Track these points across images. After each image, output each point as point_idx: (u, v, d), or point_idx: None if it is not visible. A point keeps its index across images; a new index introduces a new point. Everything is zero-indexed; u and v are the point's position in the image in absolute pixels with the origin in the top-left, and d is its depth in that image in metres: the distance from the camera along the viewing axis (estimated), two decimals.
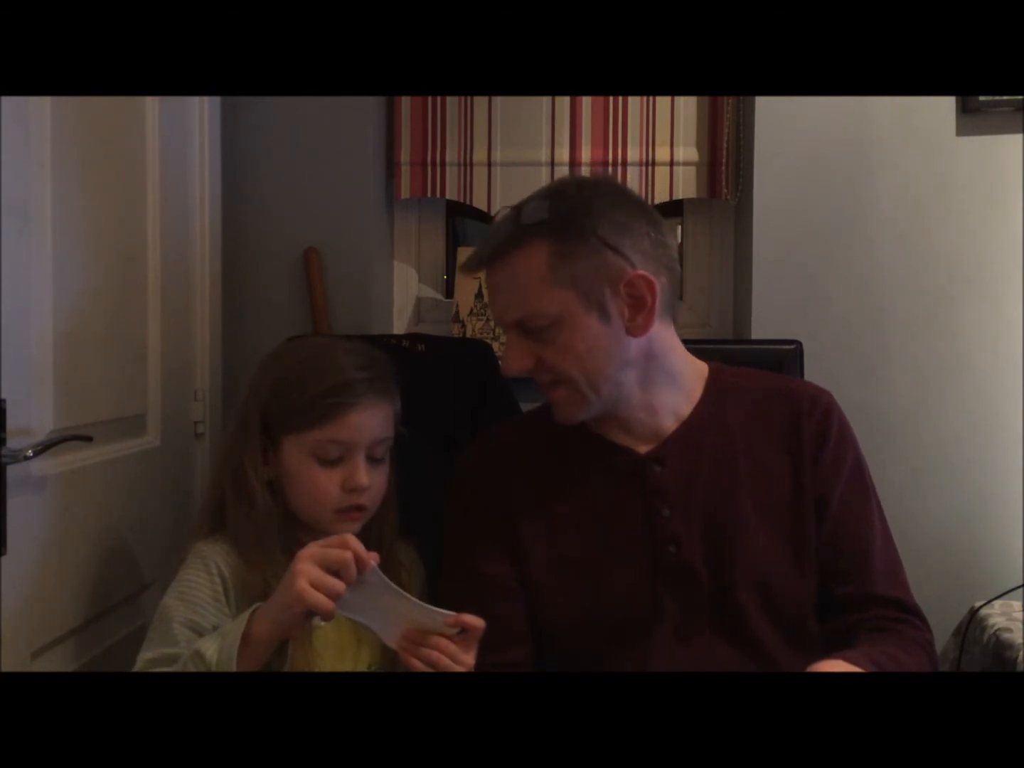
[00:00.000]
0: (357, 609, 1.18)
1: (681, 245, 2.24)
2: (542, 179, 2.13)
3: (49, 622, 1.38)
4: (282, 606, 1.17)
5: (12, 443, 1.25)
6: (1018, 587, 1.75)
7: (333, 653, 1.34)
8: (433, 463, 1.58)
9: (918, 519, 2.03)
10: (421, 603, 1.20)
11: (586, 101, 2.16)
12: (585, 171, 2.15)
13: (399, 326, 2.28)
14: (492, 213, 2.18)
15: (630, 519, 1.35)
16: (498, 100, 2.17)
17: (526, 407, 1.71)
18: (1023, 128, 2.01)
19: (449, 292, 2.29)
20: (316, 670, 1.30)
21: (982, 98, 2.00)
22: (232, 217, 2.01)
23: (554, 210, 1.29)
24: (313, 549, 1.17)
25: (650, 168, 2.15)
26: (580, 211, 1.29)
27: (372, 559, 1.17)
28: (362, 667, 1.35)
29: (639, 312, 1.30)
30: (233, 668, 1.15)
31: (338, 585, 1.14)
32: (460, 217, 2.36)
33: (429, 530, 1.44)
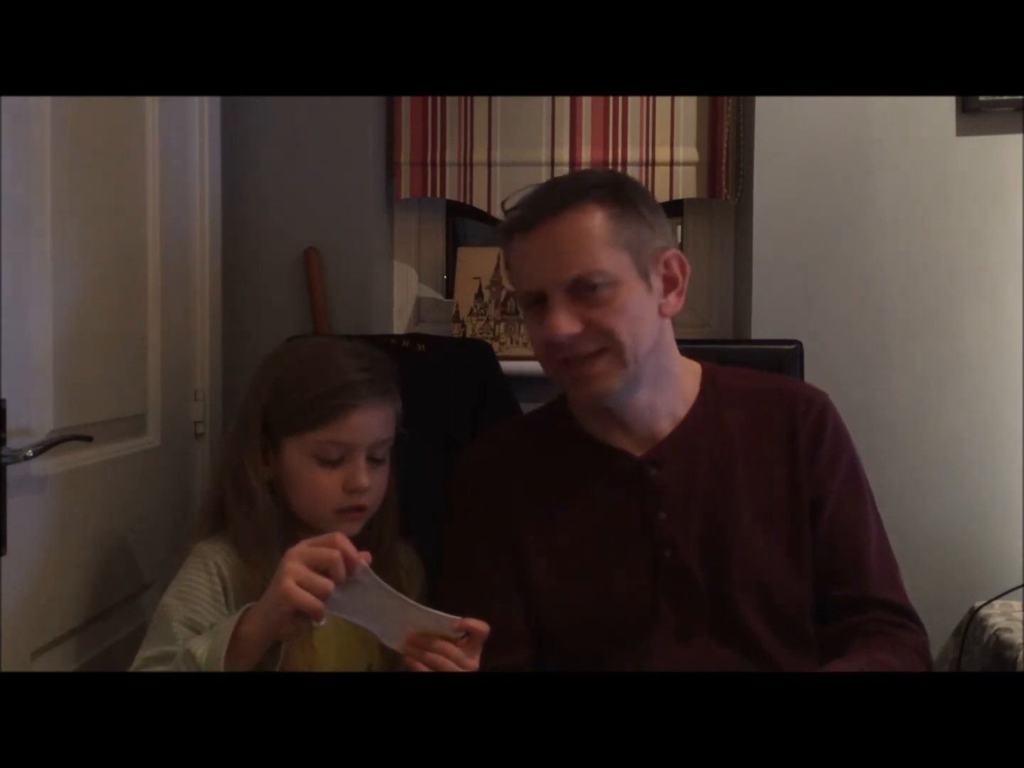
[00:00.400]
0: (350, 609, 1.17)
1: (681, 245, 2.24)
2: (542, 179, 2.12)
3: (49, 622, 1.38)
4: (271, 605, 1.16)
5: (12, 443, 1.25)
6: (1018, 587, 1.75)
7: (333, 654, 1.34)
8: (433, 463, 1.58)
9: (918, 519, 2.03)
10: (424, 607, 1.20)
11: (586, 101, 2.16)
12: None
13: (399, 326, 2.28)
14: (492, 213, 2.18)
15: (627, 521, 1.35)
16: (498, 100, 2.17)
17: (526, 407, 1.71)
18: (1023, 128, 2.01)
19: (449, 292, 2.29)
20: (316, 670, 1.30)
21: (982, 98, 2.00)
22: (232, 217, 2.01)
23: (607, 177, 1.35)
24: (301, 548, 1.16)
25: (650, 168, 2.15)
26: (629, 184, 1.35)
27: (363, 558, 1.15)
28: (362, 668, 1.35)
29: (671, 290, 1.34)
30: (221, 668, 1.15)
31: (326, 584, 1.13)
32: (460, 217, 2.36)
33: (429, 530, 1.44)
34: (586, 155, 2.16)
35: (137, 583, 1.62)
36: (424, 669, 1.17)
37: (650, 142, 2.16)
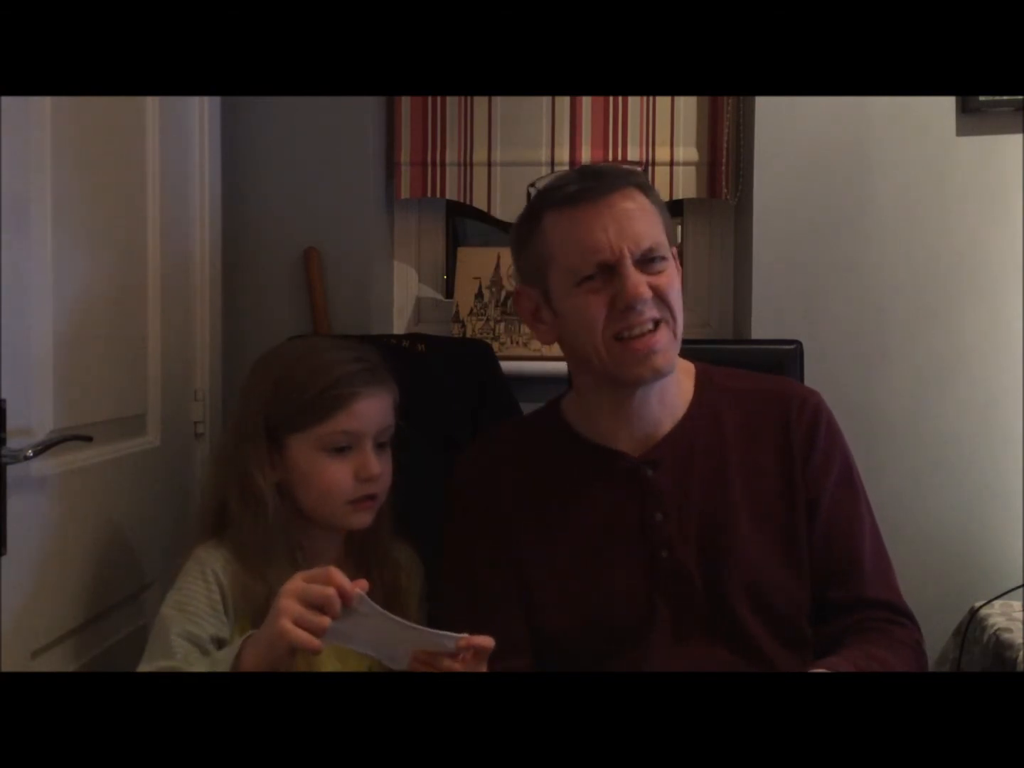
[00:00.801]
0: (350, 638, 1.16)
1: (681, 245, 2.24)
2: None
3: (49, 622, 1.38)
4: (267, 642, 1.15)
5: (12, 443, 1.25)
6: (1018, 587, 1.75)
7: (335, 655, 1.33)
8: (433, 463, 1.58)
9: (918, 519, 2.03)
10: (427, 629, 1.18)
11: (586, 101, 2.16)
12: None
13: (399, 326, 2.27)
14: (492, 213, 2.18)
15: (625, 522, 1.35)
16: (498, 100, 2.17)
17: (526, 407, 1.71)
18: (1023, 128, 2.01)
19: (449, 292, 2.29)
20: (316, 670, 1.30)
21: (982, 98, 2.00)
22: (232, 217, 2.01)
23: (638, 170, 1.39)
24: (296, 584, 1.15)
25: (650, 168, 2.15)
26: None
27: (359, 587, 1.14)
28: (362, 669, 1.35)
29: None
30: None
31: (322, 621, 1.12)
32: (460, 217, 2.36)
33: (429, 530, 1.44)
34: (586, 155, 2.16)
35: (137, 583, 1.62)
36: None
37: (650, 142, 2.16)
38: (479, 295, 2.19)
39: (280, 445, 1.37)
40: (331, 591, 1.13)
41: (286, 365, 1.39)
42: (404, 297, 2.29)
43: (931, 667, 1.77)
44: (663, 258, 1.31)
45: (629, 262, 1.28)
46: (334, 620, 1.13)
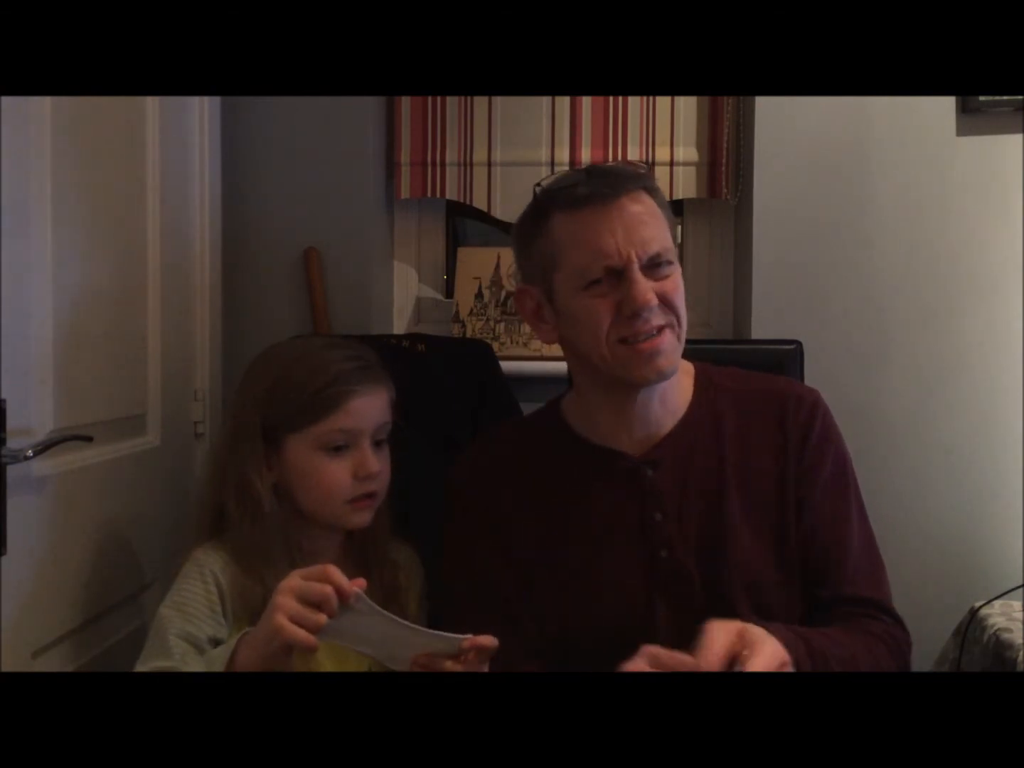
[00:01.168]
0: (347, 637, 1.16)
1: (681, 245, 2.24)
2: None
3: (49, 622, 1.38)
4: (263, 639, 1.15)
5: (12, 443, 1.25)
6: (1018, 587, 1.75)
7: (336, 655, 1.33)
8: (433, 463, 1.58)
9: (918, 519, 2.03)
10: (427, 630, 1.18)
11: (586, 101, 2.16)
12: None
13: (399, 326, 2.28)
14: (492, 213, 2.18)
15: (625, 523, 1.35)
16: (498, 100, 2.17)
17: (526, 407, 1.71)
18: (1023, 128, 2.01)
19: (449, 292, 2.29)
20: (316, 670, 1.30)
21: (982, 98, 2.00)
22: (232, 217, 2.01)
23: (645, 171, 1.37)
24: (293, 582, 1.15)
25: (650, 168, 2.15)
26: None
27: (357, 585, 1.14)
28: (363, 668, 1.35)
29: None
30: None
31: (318, 619, 1.12)
32: (460, 217, 2.36)
33: (429, 530, 1.44)
34: (586, 155, 2.16)
35: (137, 583, 1.62)
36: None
37: (650, 142, 2.16)
38: (479, 295, 2.19)
39: (277, 446, 1.37)
40: (328, 589, 1.12)
41: (282, 365, 1.39)
42: (404, 297, 2.29)
43: (931, 667, 1.77)
44: (669, 262, 1.31)
45: (637, 268, 1.28)
46: (331, 618, 1.12)
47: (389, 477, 1.39)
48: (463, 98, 2.17)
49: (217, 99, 1.92)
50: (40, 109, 1.33)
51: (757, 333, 2.06)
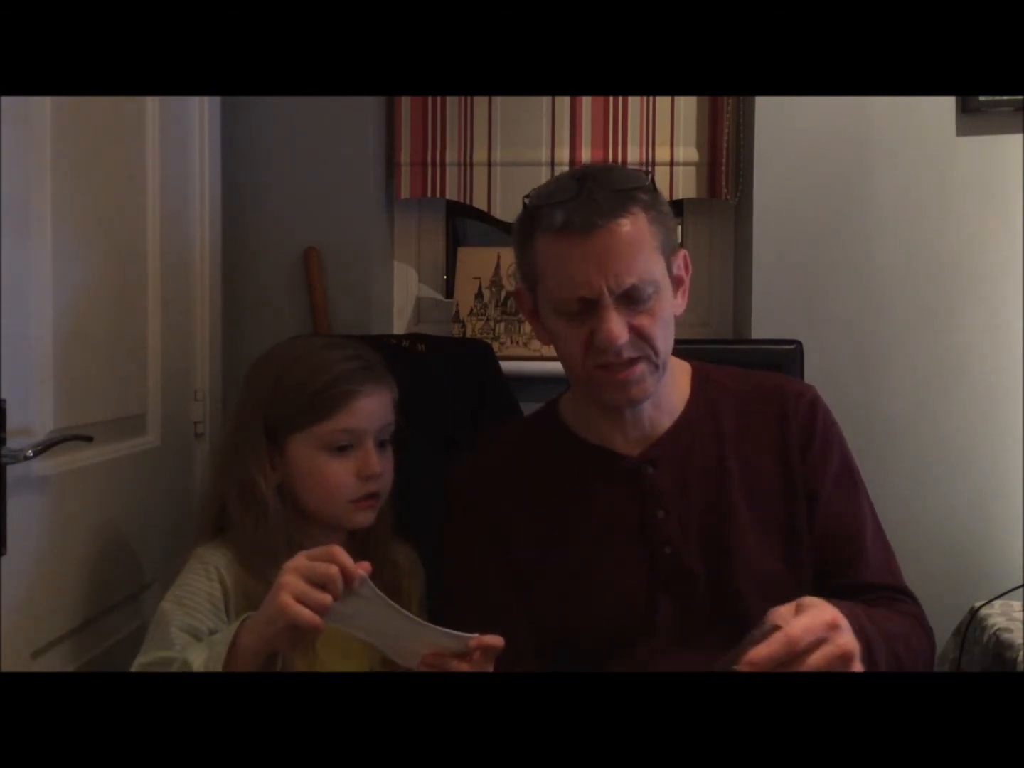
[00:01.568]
0: (351, 623, 1.15)
1: (681, 245, 2.23)
2: (542, 179, 2.12)
3: (49, 622, 1.38)
4: (267, 619, 1.14)
5: (12, 443, 1.25)
6: (1018, 587, 1.75)
7: (339, 654, 1.33)
8: (433, 463, 1.58)
9: (918, 519, 2.03)
10: (434, 627, 1.18)
11: (586, 101, 2.16)
12: None
13: (399, 326, 2.28)
14: (492, 213, 2.18)
15: (626, 522, 1.35)
16: (498, 100, 2.17)
17: (526, 407, 1.71)
18: (1023, 128, 2.01)
19: (449, 292, 2.29)
20: (321, 668, 1.30)
21: (982, 98, 2.00)
22: (232, 217, 2.01)
23: (643, 177, 1.31)
24: (299, 561, 1.14)
25: (650, 168, 2.15)
26: (654, 184, 1.33)
27: (362, 569, 1.13)
28: (364, 669, 1.35)
29: (678, 289, 1.35)
30: None
31: (324, 599, 1.10)
32: (460, 217, 2.36)
33: (429, 530, 1.44)
34: (586, 155, 2.16)
35: (137, 583, 1.62)
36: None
37: (650, 142, 2.16)
38: (479, 295, 2.19)
39: (280, 446, 1.37)
40: (334, 569, 1.11)
41: (284, 366, 1.39)
42: (404, 297, 2.29)
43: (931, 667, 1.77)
44: (650, 293, 1.27)
45: (609, 301, 1.26)
46: (336, 601, 1.11)
47: (391, 477, 1.39)
48: (463, 98, 2.17)
49: (217, 99, 1.92)
50: (40, 109, 1.33)
51: (757, 333, 2.06)
